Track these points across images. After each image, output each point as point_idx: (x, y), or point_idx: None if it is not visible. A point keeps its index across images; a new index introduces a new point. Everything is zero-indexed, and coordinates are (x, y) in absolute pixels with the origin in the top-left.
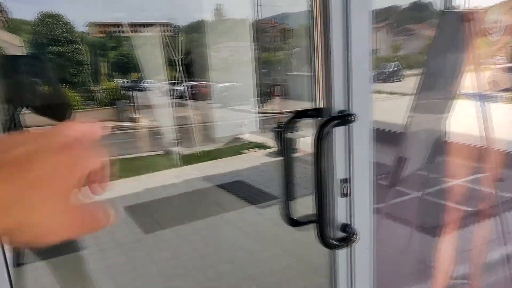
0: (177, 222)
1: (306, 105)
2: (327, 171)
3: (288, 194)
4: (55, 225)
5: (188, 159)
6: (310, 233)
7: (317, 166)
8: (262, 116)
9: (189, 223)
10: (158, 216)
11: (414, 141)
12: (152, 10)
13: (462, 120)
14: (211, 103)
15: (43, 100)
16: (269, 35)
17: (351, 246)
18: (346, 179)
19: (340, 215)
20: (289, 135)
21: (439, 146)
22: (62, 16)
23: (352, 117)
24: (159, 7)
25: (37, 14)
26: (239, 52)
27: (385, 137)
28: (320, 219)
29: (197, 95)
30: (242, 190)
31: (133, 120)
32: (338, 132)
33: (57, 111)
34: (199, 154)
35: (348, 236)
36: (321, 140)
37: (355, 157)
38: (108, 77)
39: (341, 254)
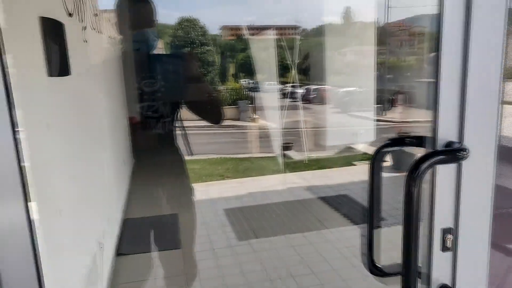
0: (273, 233)
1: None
2: (417, 215)
3: (372, 232)
4: None
5: (295, 166)
6: None
7: (408, 209)
8: (380, 125)
9: (284, 235)
10: (255, 223)
11: None
12: (281, 14)
13: None
14: (331, 107)
15: (201, 99)
16: (397, 39)
17: None
18: (450, 228)
19: (439, 273)
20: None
21: None
22: (198, 20)
23: (463, 153)
24: (288, 10)
25: (177, 18)
26: (363, 56)
27: None
28: (407, 277)
29: (315, 98)
30: (347, 207)
31: (252, 120)
32: (444, 170)
33: (212, 111)
34: (306, 161)
35: None
36: (416, 179)
37: (465, 203)
38: (234, 77)
39: None
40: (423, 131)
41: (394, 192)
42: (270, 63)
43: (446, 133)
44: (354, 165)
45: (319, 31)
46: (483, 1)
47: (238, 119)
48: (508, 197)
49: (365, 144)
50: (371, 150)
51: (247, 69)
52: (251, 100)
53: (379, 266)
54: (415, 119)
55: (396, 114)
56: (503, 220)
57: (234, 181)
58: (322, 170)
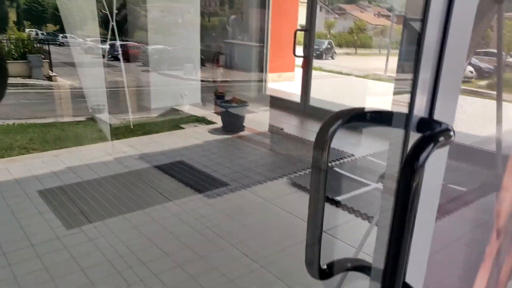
0: (108, 213)
1: (241, 75)
2: (415, 212)
3: (321, 229)
4: None
5: (120, 132)
6: None
7: (403, 207)
8: (193, 84)
9: (123, 215)
10: (84, 204)
11: None
12: None
13: None
14: (139, 65)
15: None
16: None
17: None
18: None
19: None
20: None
21: None
22: None
23: (450, 133)
24: None
25: None
26: (171, 13)
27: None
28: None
29: (122, 56)
30: (186, 174)
31: (49, 78)
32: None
33: None
34: (132, 127)
35: None
36: (415, 172)
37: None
38: (18, 26)
39: None
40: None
41: (233, 156)
42: (78, 12)
43: (419, 109)
44: (183, 128)
45: None
46: None
47: (29, 77)
48: None
49: (191, 106)
50: (198, 112)
51: (35, 16)
52: (46, 55)
53: (324, 267)
54: (226, 78)
55: (206, 73)
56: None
57: (46, 154)
58: (150, 135)
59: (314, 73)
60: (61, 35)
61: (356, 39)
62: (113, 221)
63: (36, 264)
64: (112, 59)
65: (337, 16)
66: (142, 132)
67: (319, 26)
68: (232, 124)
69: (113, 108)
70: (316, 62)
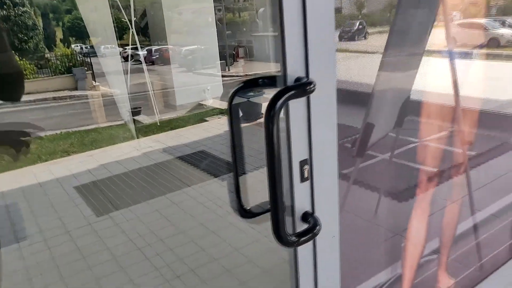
0: (133, 201)
1: (273, 67)
2: (278, 151)
3: (238, 178)
4: None
5: (148, 130)
6: None
7: (269, 147)
8: (226, 80)
9: (146, 201)
10: (112, 195)
11: (381, 103)
12: None
13: (431, 79)
14: (176, 67)
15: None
16: None
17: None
18: (306, 160)
19: (300, 202)
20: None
21: (408, 107)
22: None
23: (310, 86)
24: None
25: None
26: (200, 13)
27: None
28: (275, 211)
29: (158, 59)
30: (205, 162)
31: (93, 88)
32: (296, 104)
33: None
34: (158, 124)
35: (309, 228)
36: (274, 116)
37: (316, 135)
38: (64, 43)
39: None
40: None
41: (250, 142)
42: (105, 24)
43: (295, 70)
44: (207, 121)
45: None
46: None
47: (75, 89)
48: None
49: (214, 99)
50: (221, 104)
51: (78, 32)
52: (88, 66)
53: (247, 208)
54: (257, 71)
55: (239, 68)
56: (342, 150)
57: (82, 155)
58: (176, 130)
59: (339, 55)
60: (102, 46)
61: (389, 16)
62: (137, 207)
63: (69, 247)
64: (150, 63)
65: None
66: (169, 127)
67: (351, 7)
68: (250, 112)
69: (144, 109)
70: (348, 44)
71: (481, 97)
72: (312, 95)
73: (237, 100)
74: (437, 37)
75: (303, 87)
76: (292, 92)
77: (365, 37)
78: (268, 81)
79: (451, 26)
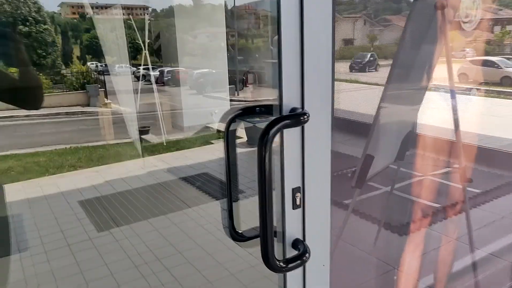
0: (134, 219)
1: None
2: (270, 178)
3: (231, 202)
4: None
5: (154, 149)
6: None
7: (261, 173)
8: (234, 104)
9: (147, 220)
10: (114, 212)
11: (383, 135)
12: None
13: (433, 113)
14: (186, 89)
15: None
16: (245, 22)
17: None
18: (298, 187)
19: (291, 229)
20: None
21: (410, 140)
22: None
23: (304, 117)
24: None
25: None
26: (214, 38)
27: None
28: (264, 236)
29: (170, 81)
30: (207, 184)
31: (104, 105)
32: (290, 134)
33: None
34: (165, 144)
35: (299, 255)
36: (266, 143)
37: (309, 163)
38: (80, 60)
39: (293, 273)
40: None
41: (252, 166)
42: (119, 45)
43: (290, 101)
44: (212, 143)
45: (169, 12)
46: None
47: (87, 105)
48: (340, 160)
49: (221, 123)
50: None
51: (94, 51)
52: (102, 84)
53: (240, 232)
54: (266, 98)
55: (248, 93)
56: (338, 180)
57: (89, 171)
58: (181, 151)
59: (347, 85)
60: (117, 65)
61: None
62: (137, 225)
63: (69, 260)
64: (161, 84)
65: (382, 28)
66: (175, 148)
67: (363, 39)
68: (255, 137)
69: (152, 128)
70: (358, 75)
71: (491, 135)
72: (306, 125)
73: (245, 124)
74: (440, 73)
75: (297, 118)
76: (286, 121)
77: (375, 69)
78: (265, 109)
79: (452, 62)
